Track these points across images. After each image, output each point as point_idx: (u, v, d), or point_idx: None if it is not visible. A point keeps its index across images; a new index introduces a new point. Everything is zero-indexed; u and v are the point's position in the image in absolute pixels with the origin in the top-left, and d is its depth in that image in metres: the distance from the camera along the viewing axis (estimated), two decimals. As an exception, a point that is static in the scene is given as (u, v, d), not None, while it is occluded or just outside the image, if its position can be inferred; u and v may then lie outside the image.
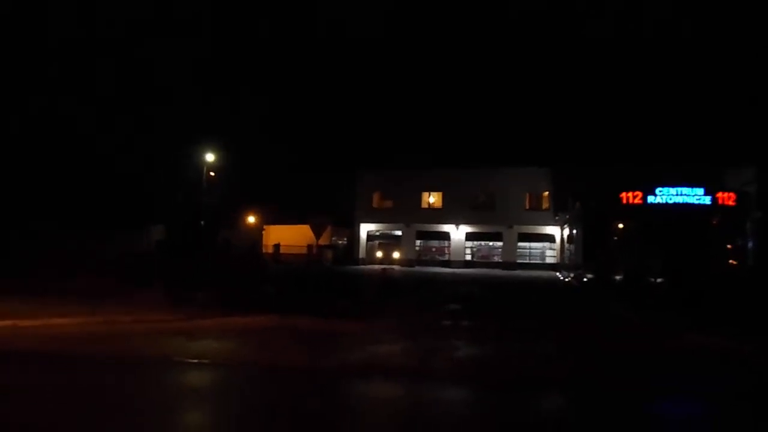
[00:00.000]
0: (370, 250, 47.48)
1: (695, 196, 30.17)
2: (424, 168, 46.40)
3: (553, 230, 43.94)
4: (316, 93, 79.89)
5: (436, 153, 57.21)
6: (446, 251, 46.21)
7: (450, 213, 45.21)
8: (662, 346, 11.21)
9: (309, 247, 45.23)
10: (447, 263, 45.00)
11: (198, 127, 51.57)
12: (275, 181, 53.39)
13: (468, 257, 45.69)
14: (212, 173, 33.11)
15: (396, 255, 45.87)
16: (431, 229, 46.01)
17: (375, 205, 47.65)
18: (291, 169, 56.33)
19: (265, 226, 49.53)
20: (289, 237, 47.95)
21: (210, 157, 30.89)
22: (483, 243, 46.03)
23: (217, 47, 68.41)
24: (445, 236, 45.89)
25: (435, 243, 46.77)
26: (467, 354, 10.17)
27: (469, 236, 45.55)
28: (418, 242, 46.68)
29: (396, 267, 39.29)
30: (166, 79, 61.17)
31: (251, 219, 49.59)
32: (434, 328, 12.77)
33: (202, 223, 33.21)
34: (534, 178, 43.89)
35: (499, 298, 21.48)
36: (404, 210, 45.96)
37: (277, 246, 47.50)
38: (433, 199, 46.77)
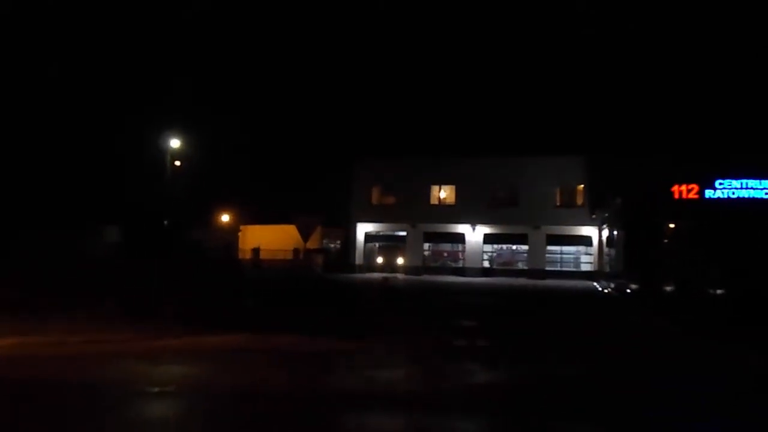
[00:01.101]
0: (369, 255, 47.51)
1: (764, 189, 29.99)
2: (434, 157, 46.50)
3: (589, 231, 43.88)
4: (305, 71, 79.88)
5: (448, 140, 57.20)
6: (460, 257, 46.27)
7: (465, 211, 45.26)
8: (726, 385, 11.13)
9: (295, 251, 45.60)
10: (461, 271, 45.11)
11: (165, 113, 51.23)
12: (255, 174, 53.30)
13: (486, 264, 45.85)
14: (178, 162, 33.00)
15: (400, 261, 46.05)
16: (442, 230, 46.11)
17: (374, 201, 47.75)
18: (274, 159, 56.09)
19: (242, 227, 49.74)
20: (271, 239, 48.18)
21: (175, 143, 30.72)
22: (505, 247, 46.16)
23: (193, 27, 68.17)
24: (459, 238, 46.01)
25: (447, 247, 46.94)
26: (483, 380, 10.15)
27: (488, 239, 45.66)
28: (426, 246, 46.84)
29: (400, 275, 39.45)
30: (139, 63, 60.85)
31: (225, 218, 49.69)
32: (445, 349, 12.76)
33: (166, 222, 33.19)
34: (566, 169, 43.86)
35: (523, 313, 21.46)
36: (410, 207, 46.02)
37: (256, 250, 47.71)
38: (444, 193, 46.86)
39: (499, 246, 46.15)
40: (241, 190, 50.60)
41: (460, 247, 46.26)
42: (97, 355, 11.31)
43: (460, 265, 45.96)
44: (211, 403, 8.42)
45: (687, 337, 15.75)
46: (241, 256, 47.06)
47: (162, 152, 30.54)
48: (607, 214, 37.97)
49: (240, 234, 49.17)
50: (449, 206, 46.38)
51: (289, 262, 45.83)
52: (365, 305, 20.91)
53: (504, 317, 19.55)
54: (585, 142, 49.64)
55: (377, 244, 47.87)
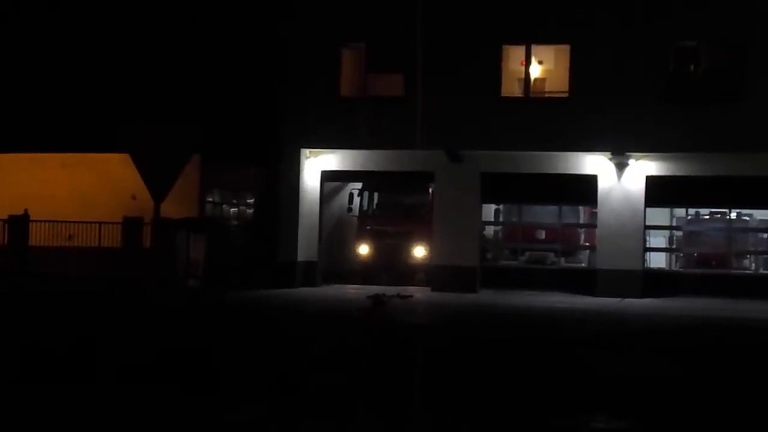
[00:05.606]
0: (333, 238, 23.67)
1: None
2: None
3: None
4: None
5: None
6: (582, 240, 22.53)
7: (596, 115, 20.29)
8: None
9: (129, 225, 23.72)
10: (585, 278, 21.45)
11: None
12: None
13: (653, 261, 22.31)
14: None
15: (418, 252, 22.82)
16: (530, 168, 21.74)
17: (347, 89, 22.16)
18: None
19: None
20: (61, 193, 25.74)
21: None
22: (707, 214, 22.80)
23: None
24: (581, 189, 21.22)
25: (546, 214, 23.03)
26: None
27: (659, 190, 21.01)
28: (490, 210, 22.80)
29: (413, 290, 19.85)
30: None
31: None
32: None
33: None
34: None
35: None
36: (444, 104, 21.11)
37: (18, 220, 25.05)
38: (538, 68, 21.95)
39: (691, 212, 22.47)
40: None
41: (583, 213, 21.99)
42: None
43: (581, 264, 22.52)
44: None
45: None
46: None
47: None
48: None
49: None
50: (553, 101, 21.40)
51: (111, 254, 22.67)
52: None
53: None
54: None
55: (354, 206, 23.47)
